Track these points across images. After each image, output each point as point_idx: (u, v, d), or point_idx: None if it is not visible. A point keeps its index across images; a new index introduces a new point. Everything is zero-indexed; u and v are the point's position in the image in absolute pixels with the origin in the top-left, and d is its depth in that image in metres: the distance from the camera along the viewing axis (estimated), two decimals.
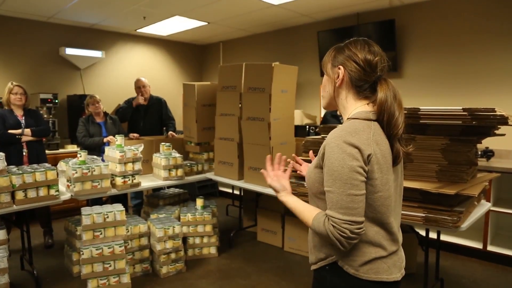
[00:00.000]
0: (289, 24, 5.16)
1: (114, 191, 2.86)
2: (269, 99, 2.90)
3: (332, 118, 3.62)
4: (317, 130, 2.69)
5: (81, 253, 2.56)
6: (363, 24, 4.38)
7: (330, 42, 4.79)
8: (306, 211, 1.10)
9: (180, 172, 3.29)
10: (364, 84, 1.12)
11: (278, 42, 5.51)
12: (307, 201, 1.17)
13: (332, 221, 1.01)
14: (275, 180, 1.22)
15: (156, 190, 3.94)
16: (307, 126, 4.62)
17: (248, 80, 3.04)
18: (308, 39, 5.10)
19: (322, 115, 5.01)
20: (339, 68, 1.13)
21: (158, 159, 3.27)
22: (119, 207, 2.78)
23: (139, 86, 4.09)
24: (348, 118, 1.12)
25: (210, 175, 3.49)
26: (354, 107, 1.14)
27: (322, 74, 1.23)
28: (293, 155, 1.51)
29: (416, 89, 4.13)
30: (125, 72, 5.71)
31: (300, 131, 4.51)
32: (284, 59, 5.28)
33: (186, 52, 6.47)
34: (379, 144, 1.07)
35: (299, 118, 4.77)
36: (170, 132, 3.94)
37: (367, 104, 1.13)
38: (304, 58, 5.16)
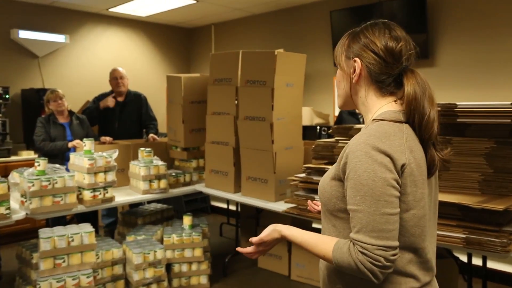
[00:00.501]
0: (296, 2, 5.18)
1: (81, 208, 2.84)
2: (272, 94, 2.90)
3: (350, 116, 3.62)
4: (330, 131, 2.69)
5: (38, 286, 2.53)
6: (386, 0, 4.39)
7: (346, 24, 4.79)
8: (321, 242, 1.08)
9: (163, 183, 3.28)
10: (387, 78, 1.11)
11: (282, 24, 5.52)
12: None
13: (362, 247, 0.98)
14: (263, 233, 1.18)
15: (134, 206, 3.92)
16: (318, 127, 4.62)
17: (246, 72, 3.05)
18: (319, 21, 5.11)
19: (336, 113, 5.03)
20: (354, 61, 1.13)
21: (136, 168, 3.26)
22: (87, 227, 2.75)
23: (115, 77, 4.08)
24: (373, 120, 1.11)
25: (200, 187, 3.49)
26: (378, 106, 1.13)
27: (335, 65, 1.22)
28: (309, 201, 1.51)
29: (452, 80, 4.13)
30: (95, 61, 5.72)
31: (309, 132, 4.51)
32: (289, 46, 5.29)
33: (170, 37, 6.48)
34: (413, 151, 1.06)
35: (308, 117, 4.77)
36: (151, 135, 3.94)
37: (394, 101, 1.12)
38: (314, 43, 5.16)
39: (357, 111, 2.38)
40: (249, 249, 1.21)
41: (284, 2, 5.18)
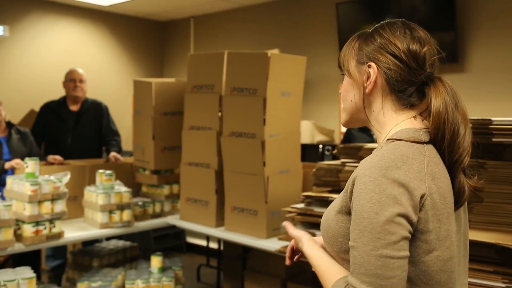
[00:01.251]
0: None
1: (19, 247, 2.80)
2: (264, 105, 2.92)
3: (360, 133, 3.66)
4: (335, 152, 2.71)
5: None
6: None
7: (356, 19, 4.87)
8: (327, 273, 1.14)
9: (126, 215, 3.26)
10: (409, 87, 1.13)
11: (277, 19, 5.59)
12: None
13: None
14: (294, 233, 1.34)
15: (88, 243, 3.88)
16: (321, 146, 4.65)
17: (233, 77, 3.06)
18: (323, 15, 5.19)
19: (343, 129, 5.05)
20: (369, 66, 1.14)
21: (93, 195, 3.24)
22: (26, 272, 2.70)
23: (73, 79, 4.09)
24: (388, 140, 1.12)
25: (173, 220, 3.48)
26: (394, 122, 1.15)
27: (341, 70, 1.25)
28: (288, 248, 1.45)
29: (487, 89, 4.19)
30: (42, 60, 5.72)
31: (309, 152, 4.53)
32: (286, 46, 5.35)
33: (138, 32, 6.52)
34: (436, 178, 1.06)
35: (308, 133, 4.80)
36: (113, 154, 3.93)
37: (413, 117, 1.14)
38: (317, 43, 5.23)
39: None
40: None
41: None
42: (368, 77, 1.15)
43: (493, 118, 2.04)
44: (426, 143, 1.10)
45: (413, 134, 1.10)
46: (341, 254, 1.12)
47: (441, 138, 1.09)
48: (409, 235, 1.01)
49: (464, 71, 4.30)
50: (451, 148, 1.08)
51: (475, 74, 4.26)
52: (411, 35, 1.13)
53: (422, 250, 1.03)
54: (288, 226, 1.40)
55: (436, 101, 1.09)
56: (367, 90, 1.16)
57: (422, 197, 1.02)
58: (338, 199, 1.15)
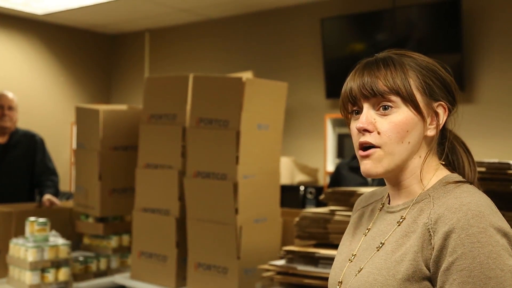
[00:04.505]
0: (273, 3, 5.35)
1: None
2: (237, 140, 2.93)
3: (351, 173, 3.70)
4: (322, 197, 2.74)
5: None
6: (402, 7, 4.61)
7: (343, 36, 4.98)
8: None
9: (63, 274, 3.20)
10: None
11: (250, 35, 5.67)
12: None
13: None
14: None
15: None
16: (302, 188, 4.68)
17: (199, 106, 3.08)
18: (305, 32, 5.30)
19: (329, 168, 5.09)
20: (440, 105, 1.22)
21: (22, 249, 3.18)
22: None
23: (1, 106, 4.06)
24: (455, 182, 1.18)
25: (122, 279, 3.43)
26: (433, 169, 1.23)
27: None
28: None
29: (499, 124, 4.28)
30: None
31: (289, 195, 4.55)
32: (261, 68, 5.41)
33: (81, 48, 6.52)
34: None
35: (287, 172, 4.83)
36: (48, 197, 3.88)
37: (443, 166, 1.25)
38: (298, 64, 5.32)
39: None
40: None
41: (257, 3, 5.33)
42: (439, 118, 1.21)
43: (511, 162, 2.11)
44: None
45: (462, 179, 1.20)
46: None
47: None
48: None
49: (472, 101, 4.38)
50: None
51: (486, 105, 4.32)
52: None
53: None
54: None
55: (464, 158, 1.25)
56: (431, 133, 1.21)
57: None
58: (392, 262, 1.13)
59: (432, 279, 1.07)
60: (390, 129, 1.16)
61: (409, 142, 1.17)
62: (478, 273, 1.01)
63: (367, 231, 1.28)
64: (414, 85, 1.18)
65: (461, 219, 1.05)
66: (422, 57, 1.23)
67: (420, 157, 1.20)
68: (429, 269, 1.07)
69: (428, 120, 1.19)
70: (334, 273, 1.30)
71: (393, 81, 1.16)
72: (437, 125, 1.19)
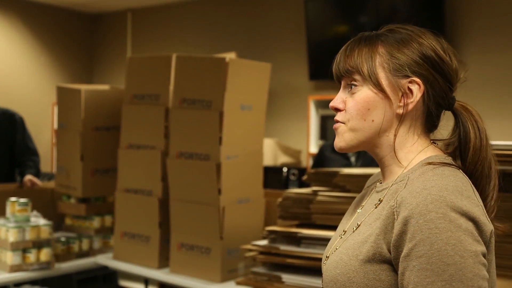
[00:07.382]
0: None
1: None
2: (220, 120, 2.94)
3: (335, 155, 3.71)
4: (305, 178, 2.76)
5: None
6: None
7: (327, 19, 4.99)
8: None
9: (45, 255, 3.20)
10: (441, 108, 1.22)
11: (234, 16, 5.66)
12: None
13: None
14: None
15: None
16: (285, 169, 4.70)
17: (182, 86, 3.08)
18: (289, 14, 5.30)
19: (312, 149, 5.13)
20: (411, 82, 1.16)
21: (2, 230, 3.17)
22: None
23: None
24: (429, 164, 1.15)
25: (105, 259, 3.44)
26: (417, 149, 1.20)
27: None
28: None
29: (481, 106, 4.31)
30: None
31: (272, 177, 4.57)
32: (244, 49, 5.41)
33: (62, 27, 6.46)
34: None
35: (270, 153, 4.84)
36: (29, 177, 3.88)
37: (435, 147, 1.22)
38: (281, 46, 5.32)
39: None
40: None
41: None
42: (406, 95, 1.16)
43: (492, 142, 2.12)
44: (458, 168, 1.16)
45: (448, 161, 1.16)
46: None
47: (478, 175, 1.18)
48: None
49: None
50: (484, 188, 1.18)
51: (468, 88, 4.39)
52: (445, 45, 1.20)
53: None
54: None
55: (472, 131, 1.21)
56: (403, 111, 1.17)
57: (491, 233, 1.07)
58: (357, 243, 1.14)
59: (394, 263, 1.06)
60: (351, 107, 1.19)
61: (372, 120, 1.18)
62: (436, 260, 0.99)
63: (359, 210, 1.27)
64: (379, 63, 1.17)
65: (420, 204, 1.03)
66: (415, 31, 1.20)
67: (401, 135, 1.18)
68: (390, 252, 1.06)
69: (395, 98, 1.17)
70: (326, 248, 1.31)
71: (356, 59, 1.18)
72: (407, 103, 1.16)
